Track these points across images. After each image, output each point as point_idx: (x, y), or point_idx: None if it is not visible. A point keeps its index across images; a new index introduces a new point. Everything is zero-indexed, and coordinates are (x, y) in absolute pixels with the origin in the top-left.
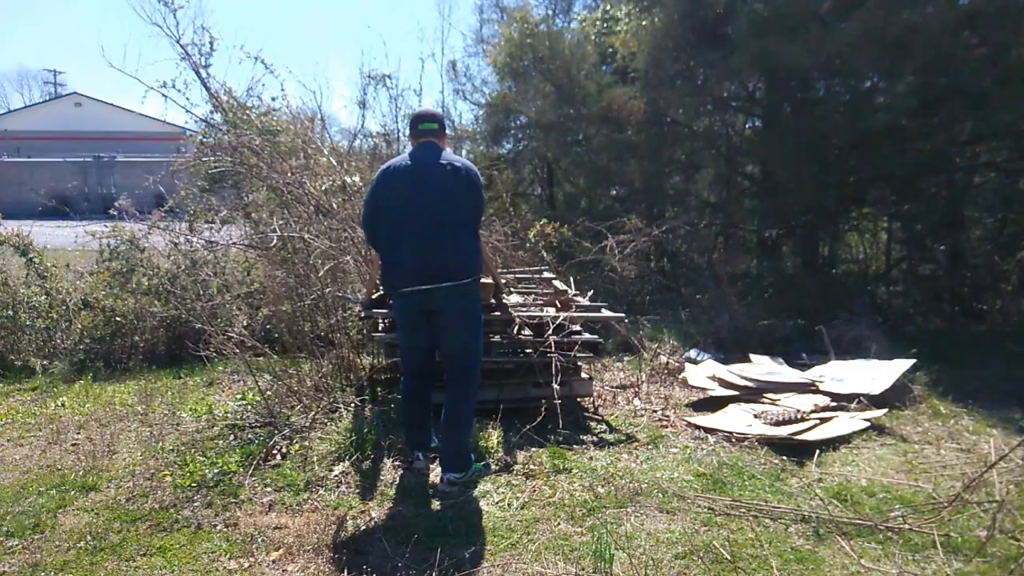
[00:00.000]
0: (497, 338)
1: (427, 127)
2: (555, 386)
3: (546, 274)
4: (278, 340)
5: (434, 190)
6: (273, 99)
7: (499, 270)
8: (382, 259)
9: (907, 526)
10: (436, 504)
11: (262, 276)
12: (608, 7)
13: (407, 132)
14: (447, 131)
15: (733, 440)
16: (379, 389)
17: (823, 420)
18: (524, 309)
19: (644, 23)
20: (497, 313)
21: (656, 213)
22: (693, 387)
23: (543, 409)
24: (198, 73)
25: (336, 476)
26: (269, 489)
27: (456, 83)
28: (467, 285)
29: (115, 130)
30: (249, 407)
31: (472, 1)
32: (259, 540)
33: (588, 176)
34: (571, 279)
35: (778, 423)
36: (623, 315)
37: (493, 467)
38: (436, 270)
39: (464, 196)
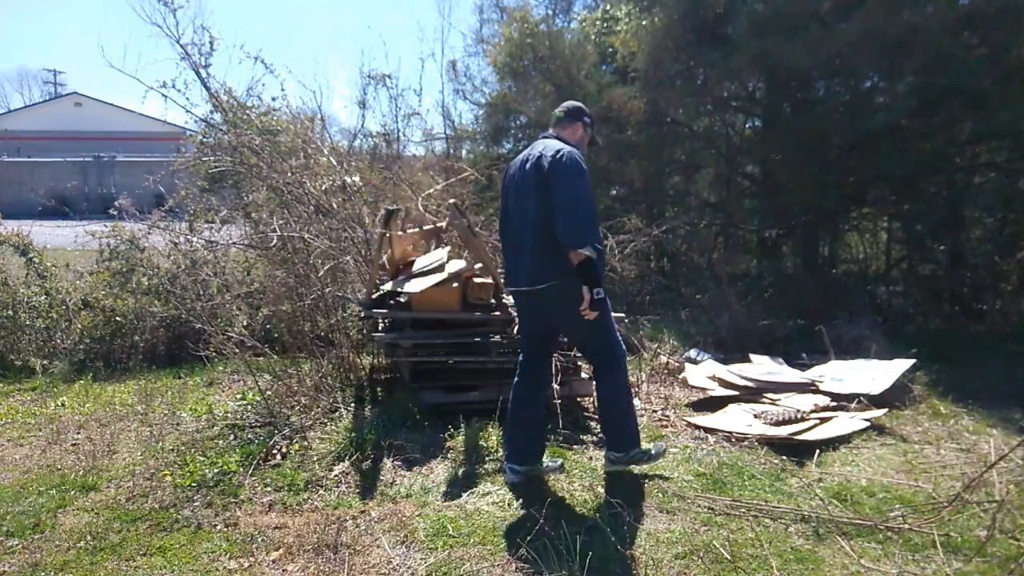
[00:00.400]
0: (497, 338)
1: (554, 116)
2: (555, 386)
3: None
4: (278, 340)
5: (518, 185)
6: (273, 99)
7: (499, 270)
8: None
9: (907, 526)
10: (436, 504)
11: (262, 276)
12: (608, 7)
13: None
14: (581, 120)
15: (733, 440)
16: (379, 389)
17: (823, 420)
18: None
19: (644, 23)
20: (497, 313)
21: (656, 213)
22: (693, 387)
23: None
24: (198, 73)
25: (336, 476)
26: (269, 489)
27: (456, 83)
28: (551, 287)
29: (115, 130)
30: (249, 407)
31: (472, 1)
32: (259, 540)
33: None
34: None
35: (778, 423)
36: (623, 315)
37: (657, 450)
38: (527, 269)
39: (536, 190)
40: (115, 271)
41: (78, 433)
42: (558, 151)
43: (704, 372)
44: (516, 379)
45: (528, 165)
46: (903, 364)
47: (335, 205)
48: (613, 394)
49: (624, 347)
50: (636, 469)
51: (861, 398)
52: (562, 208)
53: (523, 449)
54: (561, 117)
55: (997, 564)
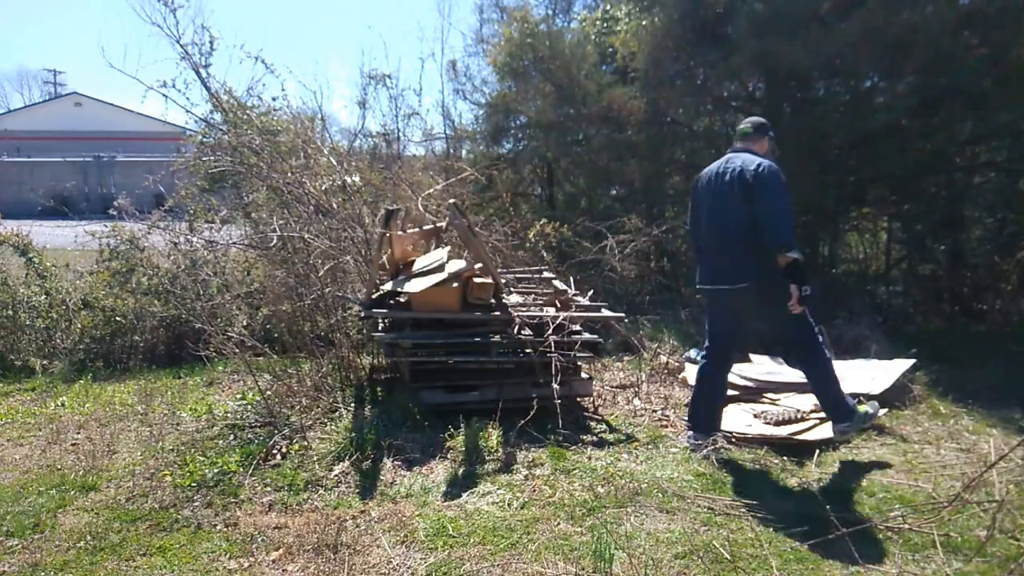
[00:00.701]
0: (497, 338)
1: (741, 130)
2: (555, 386)
3: (546, 274)
4: (278, 340)
5: (714, 195)
6: (273, 99)
7: (499, 270)
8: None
9: (907, 526)
10: (436, 504)
11: (262, 276)
12: (608, 7)
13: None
14: (767, 134)
15: (733, 440)
16: (379, 389)
17: (823, 420)
18: (524, 309)
19: (644, 23)
20: (497, 313)
21: (656, 213)
22: (693, 387)
23: (532, 406)
24: (198, 73)
25: (336, 476)
26: (269, 489)
27: (456, 83)
28: (745, 288)
29: (115, 130)
30: (249, 407)
31: (472, 1)
32: (259, 540)
33: (588, 176)
34: (571, 279)
35: (778, 423)
36: (623, 315)
37: (867, 416)
38: (718, 270)
39: (737, 200)
40: (115, 271)
41: (78, 433)
42: (759, 164)
43: None
44: (703, 360)
45: (728, 176)
46: (903, 364)
47: (335, 205)
48: (822, 378)
49: (817, 336)
50: (636, 469)
51: (861, 398)
52: (770, 217)
53: (702, 421)
54: (749, 132)
55: (997, 564)
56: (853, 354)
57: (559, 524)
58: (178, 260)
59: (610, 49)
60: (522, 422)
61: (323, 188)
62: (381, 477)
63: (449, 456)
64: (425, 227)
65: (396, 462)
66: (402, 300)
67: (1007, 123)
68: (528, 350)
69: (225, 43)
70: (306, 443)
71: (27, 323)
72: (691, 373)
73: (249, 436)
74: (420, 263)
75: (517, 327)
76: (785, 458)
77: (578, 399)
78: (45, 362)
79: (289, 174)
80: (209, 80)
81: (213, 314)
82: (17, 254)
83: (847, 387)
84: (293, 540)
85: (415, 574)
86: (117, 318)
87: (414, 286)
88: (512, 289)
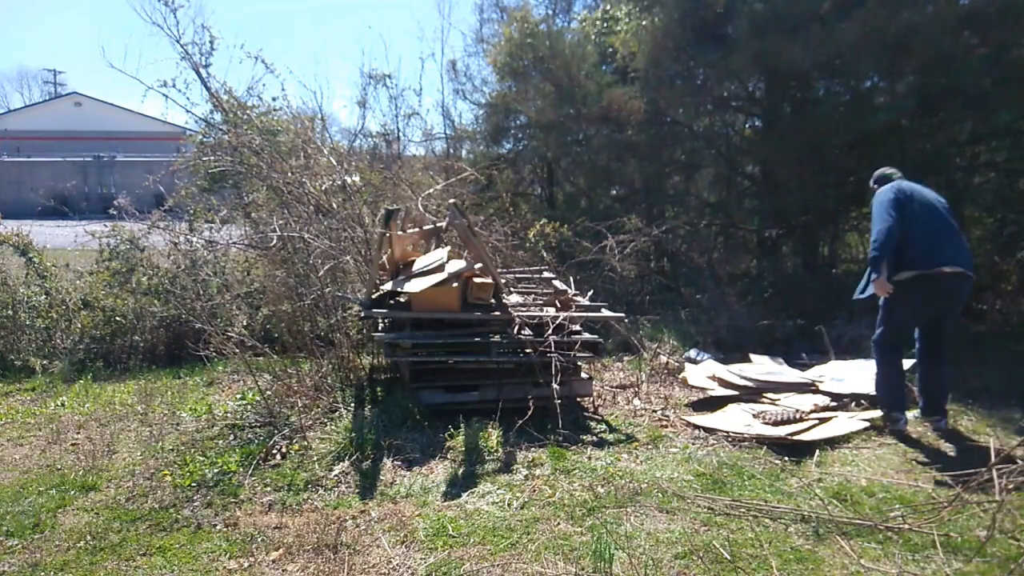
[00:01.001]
0: (497, 338)
1: (895, 173)
2: (555, 386)
3: (546, 274)
4: (278, 340)
5: (930, 202)
6: (273, 99)
7: (499, 270)
8: (919, 248)
9: (907, 526)
10: (436, 504)
11: (262, 276)
12: (608, 7)
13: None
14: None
15: (733, 440)
16: (379, 389)
17: (823, 420)
18: (524, 309)
19: (644, 23)
20: (497, 313)
21: (656, 213)
22: (693, 387)
23: (530, 405)
24: (198, 73)
25: (336, 476)
26: (269, 489)
27: (456, 83)
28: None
29: (115, 130)
30: (249, 407)
31: (472, 1)
32: (259, 540)
33: (588, 176)
34: (571, 279)
35: (777, 423)
36: (623, 315)
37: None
38: (960, 255)
39: (950, 212)
40: (115, 271)
41: (78, 433)
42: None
43: (704, 372)
44: (884, 349)
45: (929, 194)
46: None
47: (335, 205)
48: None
49: None
50: (636, 469)
51: (861, 398)
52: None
53: (892, 401)
54: (900, 176)
55: (997, 564)
56: (853, 354)
57: (559, 524)
58: (178, 260)
59: (610, 49)
60: (522, 422)
61: (323, 188)
62: (381, 477)
63: (449, 456)
64: (425, 227)
65: (396, 462)
66: (402, 300)
67: (1007, 123)
68: (528, 350)
69: (225, 43)
70: (306, 443)
71: (27, 323)
72: (691, 373)
73: (249, 436)
74: (420, 263)
75: (517, 327)
76: (785, 458)
77: (578, 399)
78: (45, 362)
79: (289, 174)
80: (209, 80)
81: (213, 314)
82: (17, 254)
83: (847, 387)
84: (293, 540)
85: (415, 574)
86: (117, 318)
87: (414, 286)
88: (512, 289)
